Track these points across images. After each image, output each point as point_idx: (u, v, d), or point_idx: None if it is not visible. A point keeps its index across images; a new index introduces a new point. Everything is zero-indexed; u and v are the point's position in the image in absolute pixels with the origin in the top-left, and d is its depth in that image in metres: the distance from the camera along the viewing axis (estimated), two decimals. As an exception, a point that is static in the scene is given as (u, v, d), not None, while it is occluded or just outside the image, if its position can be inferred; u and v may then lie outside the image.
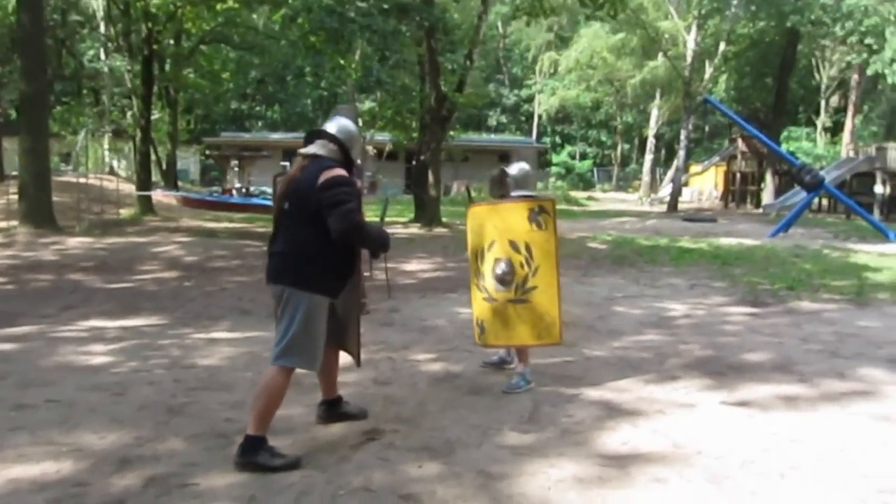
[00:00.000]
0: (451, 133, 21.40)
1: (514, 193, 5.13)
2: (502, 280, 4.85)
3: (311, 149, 3.75)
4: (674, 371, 5.41)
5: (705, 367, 5.55)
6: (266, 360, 5.33)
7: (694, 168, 38.84)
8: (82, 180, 19.10)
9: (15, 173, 21.11)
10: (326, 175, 3.54)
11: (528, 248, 4.76)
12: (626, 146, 56.27)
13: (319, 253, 3.56)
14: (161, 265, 11.24)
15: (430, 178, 18.77)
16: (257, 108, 55.49)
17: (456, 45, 23.56)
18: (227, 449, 3.70)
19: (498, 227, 4.89)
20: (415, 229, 17.26)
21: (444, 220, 18.68)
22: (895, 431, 4.20)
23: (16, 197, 16.27)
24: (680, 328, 7.01)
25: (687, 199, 35.49)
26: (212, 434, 3.98)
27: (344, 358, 4.18)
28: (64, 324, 7.05)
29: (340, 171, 3.61)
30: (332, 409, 4.17)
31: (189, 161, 44.48)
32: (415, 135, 20.65)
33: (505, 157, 40.90)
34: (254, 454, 3.46)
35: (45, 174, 14.93)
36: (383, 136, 27.18)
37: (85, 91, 34.79)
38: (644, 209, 31.33)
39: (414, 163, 20.48)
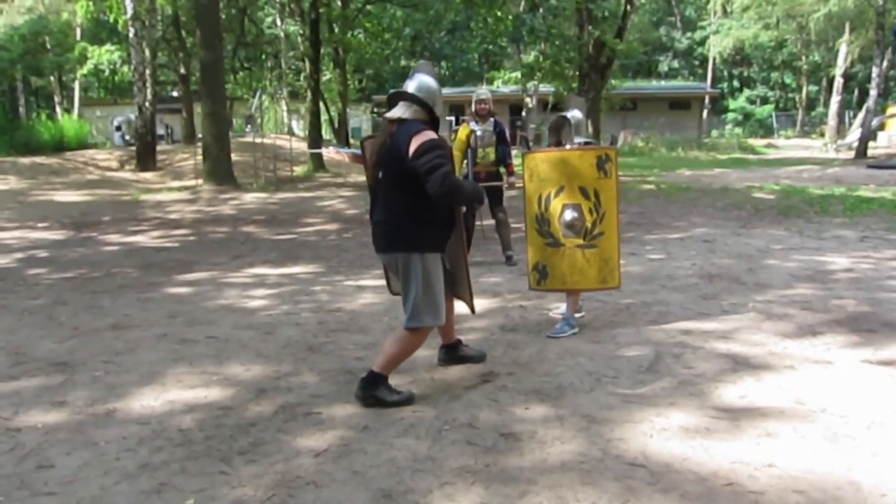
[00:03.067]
0: (613, 81, 20.79)
1: (577, 140, 5.20)
2: (572, 226, 4.89)
3: (396, 112, 3.80)
4: (817, 327, 5.10)
5: (855, 323, 5.18)
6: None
7: (891, 110, 35.10)
8: (259, 140, 20.57)
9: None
10: (417, 141, 3.58)
11: (596, 195, 4.84)
12: (813, 88, 51.75)
13: (421, 213, 3.67)
14: (324, 218, 11.98)
15: (590, 128, 18.41)
16: (426, 65, 56.41)
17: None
18: (351, 384, 3.99)
19: (567, 173, 4.88)
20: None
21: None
22: None
23: (196, 157, 17.87)
24: (837, 282, 6.55)
25: (883, 145, 32.23)
26: (341, 371, 4.32)
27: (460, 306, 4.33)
28: (232, 271, 7.78)
29: (429, 134, 3.64)
30: (451, 353, 4.36)
31: (361, 119, 46.24)
32: (574, 85, 20.28)
33: (675, 104, 39.16)
34: (374, 388, 3.72)
35: (225, 136, 16.23)
36: (546, 88, 26.95)
37: (264, 56, 37.07)
38: (829, 156, 28.91)
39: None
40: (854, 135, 31.24)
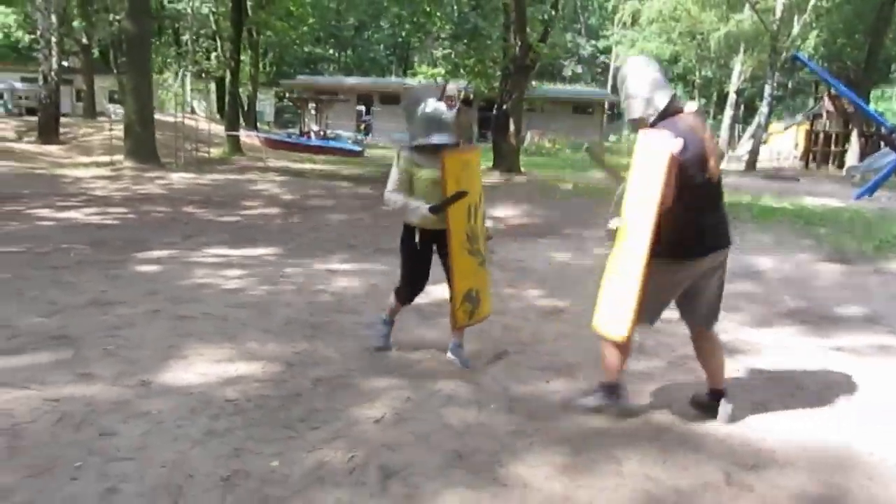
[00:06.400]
0: (533, 83, 21.45)
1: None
2: (489, 237, 4.44)
3: (694, 105, 3.56)
4: (768, 318, 5.72)
5: (798, 316, 5.84)
6: (381, 290, 5.92)
7: (774, 126, 37.80)
8: (169, 119, 20.00)
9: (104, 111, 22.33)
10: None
11: (481, 200, 4.32)
12: (703, 101, 54.91)
13: None
14: (263, 202, 11.93)
15: (511, 126, 18.98)
16: (331, 52, 56.00)
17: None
18: (374, 360, 4.22)
19: (474, 178, 4.23)
20: (495, 177, 17.58)
21: (521, 168, 18.92)
22: None
23: (112, 133, 17.25)
24: (770, 281, 7.26)
25: (765, 158, 34.69)
26: (358, 349, 4.52)
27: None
28: (192, 250, 7.73)
29: None
30: None
31: (265, 103, 45.38)
32: (496, 84, 20.80)
33: (578, 108, 40.60)
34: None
35: (149, 112, 15.76)
36: (457, 84, 27.41)
37: (166, 32, 35.75)
38: (721, 167, 30.82)
39: (495, 112, 20.66)
40: (745, 147, 33.47)
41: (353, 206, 11.98)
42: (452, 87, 8.30)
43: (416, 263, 4.24)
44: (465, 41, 20.85)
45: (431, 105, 4.13)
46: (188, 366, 4.10)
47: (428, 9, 18.24)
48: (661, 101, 3.43)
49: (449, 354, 4.35)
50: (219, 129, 23.81)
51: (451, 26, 19.20)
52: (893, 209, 14.55)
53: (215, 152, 20.76)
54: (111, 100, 33.22)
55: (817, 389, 4.12)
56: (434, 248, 4.23)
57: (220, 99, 32.12)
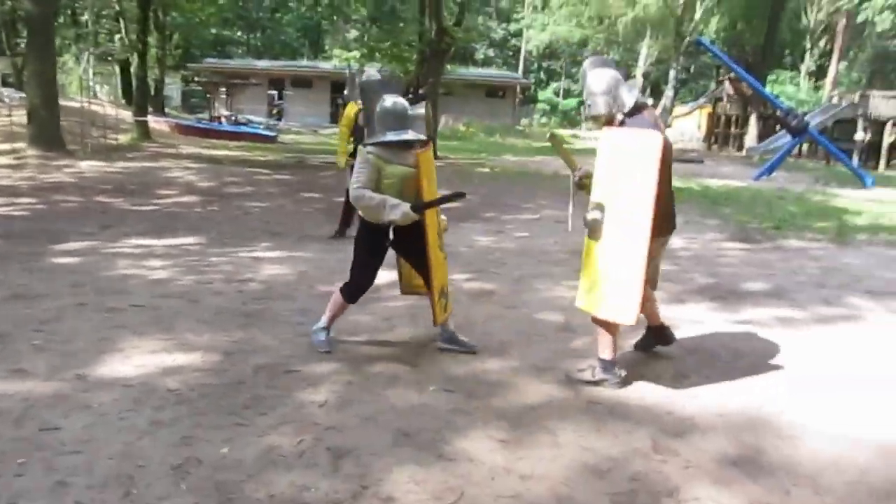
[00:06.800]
0: (448, 67, 21.62)
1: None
2: (445, 229, 4.55)
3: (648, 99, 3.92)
4: (681, 295, 6.07)
5: (708, 292, 6.22)
6: (311, 277, 6.00)
7: (678, 109, 39.28)
8: (73, 104, 19.19)
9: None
10: None
11: None
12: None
13: None
14: (179, 190, 11.67)
15: (430, 111, 19.11)
16: (239, 35, 54.60)
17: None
18: (311, 346, 4.30)
19: (434, 173, 4.38)
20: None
21: (438, 153, 19.11)
22: (874, 346, 4.92)
23: (11, 119, 16.45)
24: (681, 259, 7.67)
25: (671, 140, 36.01)
26: (296, 335, 4.58)
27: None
28: (112, 241, 7.55)
29: None
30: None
31: (172, 88, 43.90)
32: (412, 68, 20.88)
33: (491, 92, 41.03)
34: None
35: (54, 97, 15.10)
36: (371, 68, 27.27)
37: (67, 13, 34.09)
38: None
39: (411, 96, 20.74)
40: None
41: (273, 193, 11.88)
42: (373, 72, 8.31)
43: (376, 261, 4.24)
44: (381, 25, 20.88)
45: (394, 100, 4.12)
46: (125, 358, 4.07)
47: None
48: (630, 98, 3.84)
49: (442, 344, 4.37)
50: (126, 114, 22.99)
51: (368, 9, 19.10)
52: (790, 189, 15.48)
53: (123, 139, 20.06)
54: (4, 83, 31.49)
55: (730, 359, 4.45)
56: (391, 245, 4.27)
57: (126, 83, 30.91)
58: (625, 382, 3.91)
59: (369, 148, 4.07)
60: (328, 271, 6.42)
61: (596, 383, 3.89)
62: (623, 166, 3.64)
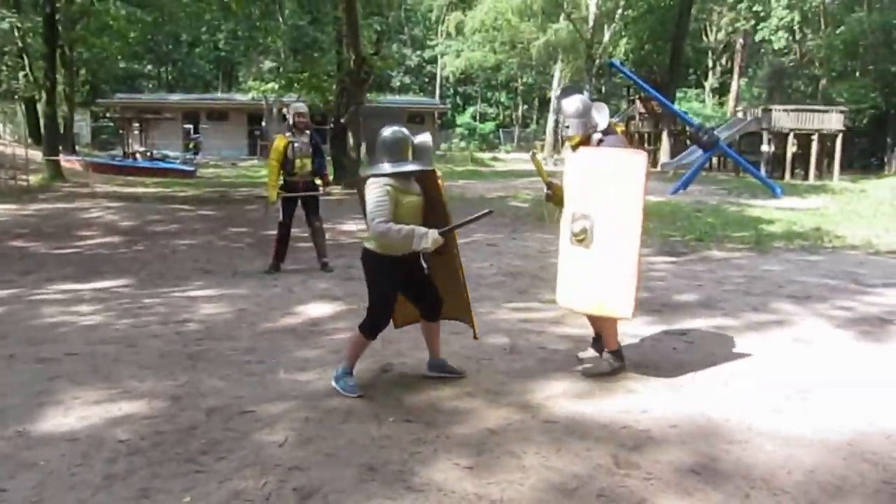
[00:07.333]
0: (368, 95, 21.71)
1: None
2: None
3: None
4: (619, 310, 6.24)
5: (644, 306, 6.38)
6: (251, 314, 5.93)
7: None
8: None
9: None
10: None
11: None
12: (526, 107, 57.75)
13: None
14: (100, 230, 11.29)
15: (351, 140, 19.11)
16: (149, 68, 53.35)
17: (372, 5, 23.72)
18: (260, 387, 4.23)
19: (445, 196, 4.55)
20: (338, 192, 17.61)
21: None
22: (805, 349, 5.18)
23: None
24: (614, 275, 7.88)
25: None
26: (244, 374, 4.49)
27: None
28: (35, 287, 7.24)
29: None
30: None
31: (81, 124, 42.49)
32: (331, 97, 20.86)
33: (412, 118, 41.35)
34: None
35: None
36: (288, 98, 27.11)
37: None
38: (549, 168, 32.50)
39: (332, 126, 20.70)
40: (568, 149, 35.36)
41: (199, 230, 11.62)
42: (300, 105, 8.31)
43: (397, 294, 4.19)
44: (297, 56, 20.81)
45: (397, 130, 4.06)
46: (66, 410, 3.91)
47: (259, 24, 17.92)
48: (603, 120, 4.37)
49: (428, 372, 4.47)
50: (34, 154, 22.08)
51: (287, 41, 19.03)
52: (706, 201, 16.13)
53: (35, 179, 19.29)
54: None
55: (671, 370, 4.60)
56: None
57: (33, 122, 29.74)
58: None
59: (385, 180, 3.96)
60: (267, 308, 6.33)
61: (614, 373, 4.41)
62: (604, 180, 4.12)
